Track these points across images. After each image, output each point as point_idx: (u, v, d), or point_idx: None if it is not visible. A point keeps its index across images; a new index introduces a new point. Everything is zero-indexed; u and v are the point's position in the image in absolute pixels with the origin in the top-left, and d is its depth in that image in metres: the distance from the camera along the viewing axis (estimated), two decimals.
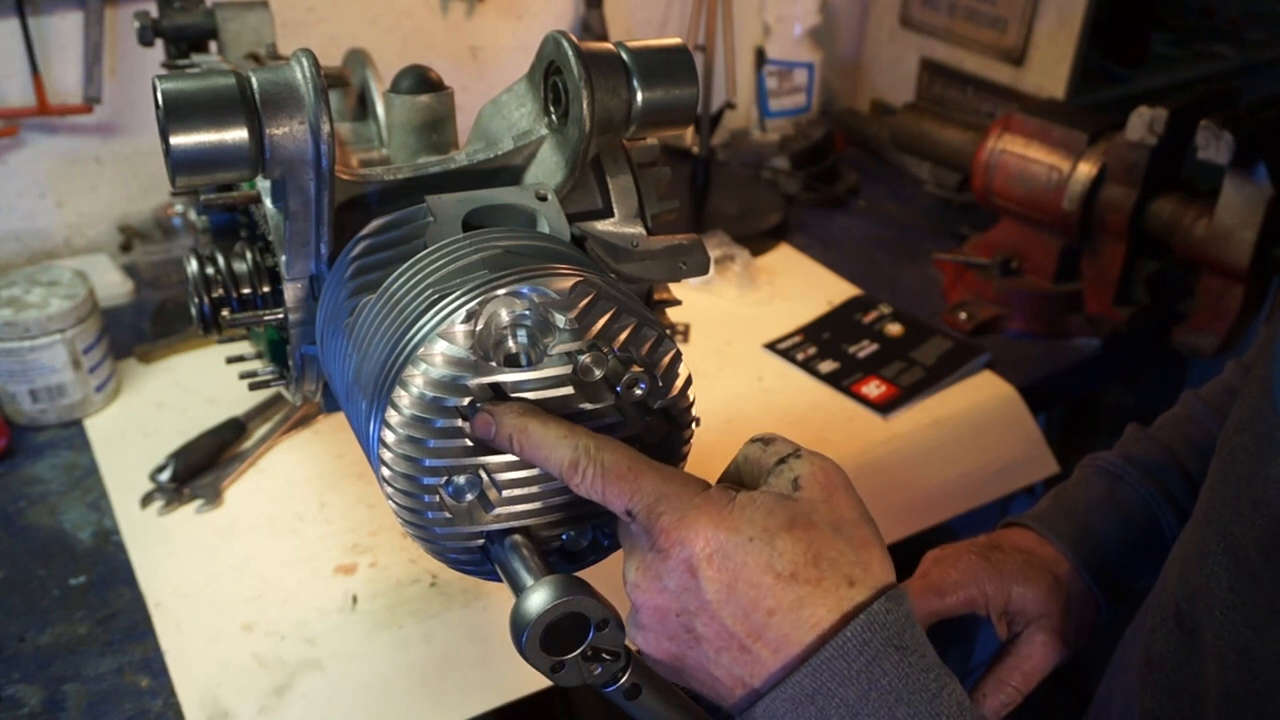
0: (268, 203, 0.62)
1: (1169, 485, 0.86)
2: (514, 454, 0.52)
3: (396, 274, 0.55)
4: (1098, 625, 0.83)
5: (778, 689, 0.50)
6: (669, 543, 0.50)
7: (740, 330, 1.43)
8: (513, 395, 0.52)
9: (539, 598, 0.50)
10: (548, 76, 0.62)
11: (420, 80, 0.69)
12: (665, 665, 0.53)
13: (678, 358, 0.55)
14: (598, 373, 0.53)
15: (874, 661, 0.49)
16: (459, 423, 0.52)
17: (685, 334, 1.41)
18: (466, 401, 0.51)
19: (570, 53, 0.58)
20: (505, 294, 0.51)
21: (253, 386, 0.74)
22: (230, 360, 0.82)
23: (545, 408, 0.53)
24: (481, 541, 0.56)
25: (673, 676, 0.54)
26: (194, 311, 0.70)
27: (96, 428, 1.22)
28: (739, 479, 0.56)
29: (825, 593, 0.50)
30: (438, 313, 0.51)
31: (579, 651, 0.52)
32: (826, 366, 1.36)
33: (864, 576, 0.51)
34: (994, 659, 0.82)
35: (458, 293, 0.51)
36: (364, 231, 0.59)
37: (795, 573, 0.49)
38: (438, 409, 0.51)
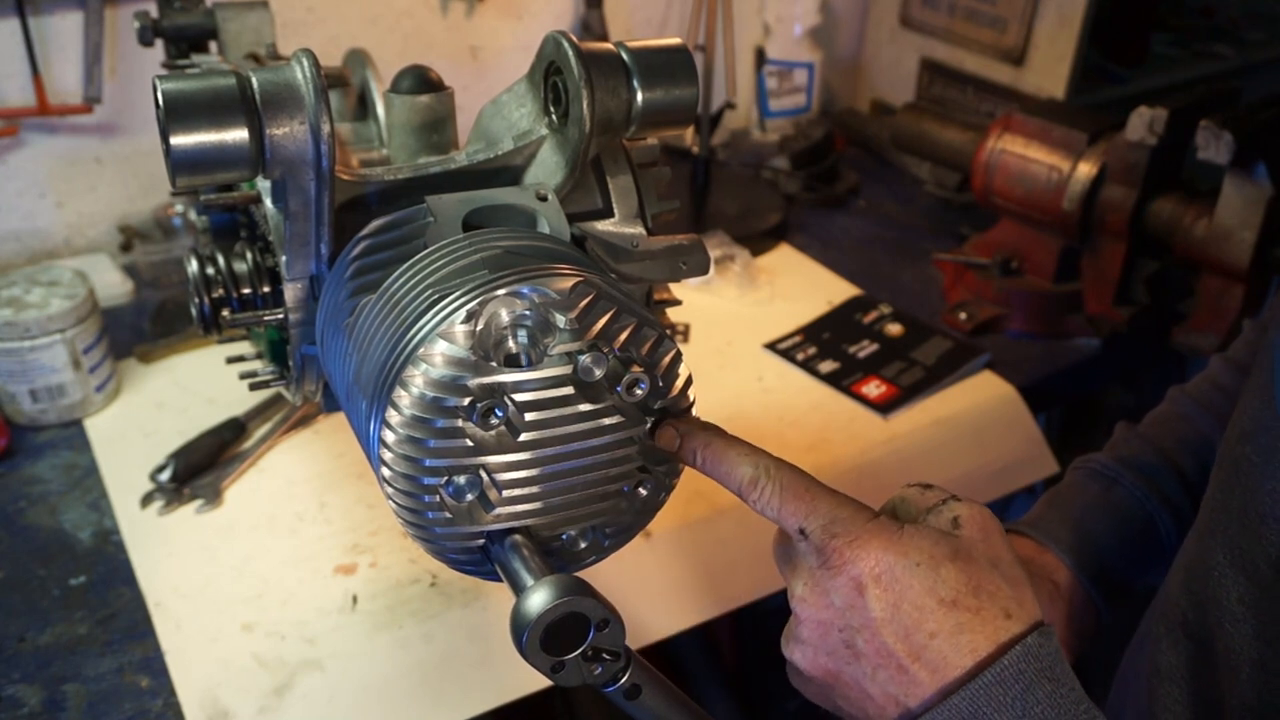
0: (268, 203, 0.62)
1: (1163, 486, 0.86)
2: (694, 467, 0.56)
3: (396, 274, 0.55)
4: (1098, 630, 0.83)
5: (934, 711, 0.51)
6: (840, 561, 0.52)
7: (740, 330, 1.43)
8: (513, 395, 0.52)
9: (539, 598, 0.50)
10: (548, 76, 0.62)
11: (420, 80, 0.68)
12: (817, 682, 0.55)
13: (678, 358, 0.55)
14: (598, 373, 0.53)
15: (1028, 690, 0.51)
16: (459, 423, 0.52)
17: (685, 334, 1.41)
18: (466, 402, 0.51)
19: (570, 53, 0.58)
20: (505, 294, 0.51)
21: (253, 386, 0.74)
22: (230, 360, 0.82)
23: (546, 408, 0.53)
24: (482, 541, 0.56)
25: (821, 695, 0.56)
26: (194, 311, 0.70)
27: (96, 428, 1.22)
28: (894, 517, 0.57)
29: (984, 621, 0.51)
30: (438, 313, 0.51)
31: (579, 651, 0.52)
32: (826, 366, 1.36)
33: (1019, 611, 0.53)
34: None
35: (458, 293, 0.51)
36: (364, 232, 0.59)
37: (957, 600, 0.51)
38: (438, 409, 0.51)
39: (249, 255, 0.70)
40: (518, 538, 0.55)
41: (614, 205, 0.65)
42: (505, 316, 0.51)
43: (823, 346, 1.40)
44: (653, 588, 1.08)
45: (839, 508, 0.53)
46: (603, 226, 0.64)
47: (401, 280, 0.54)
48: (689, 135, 1.75)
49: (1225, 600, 0.63)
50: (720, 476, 0.55)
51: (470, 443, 0.52)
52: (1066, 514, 0.85)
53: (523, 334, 0.51)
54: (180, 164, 0.53)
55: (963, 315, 1.45)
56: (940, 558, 0.51)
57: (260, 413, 1.22)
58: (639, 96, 0.60)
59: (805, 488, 0.53)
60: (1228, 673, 0.63)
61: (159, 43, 1.04)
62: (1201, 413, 0.88)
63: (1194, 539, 0.70)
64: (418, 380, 0.50)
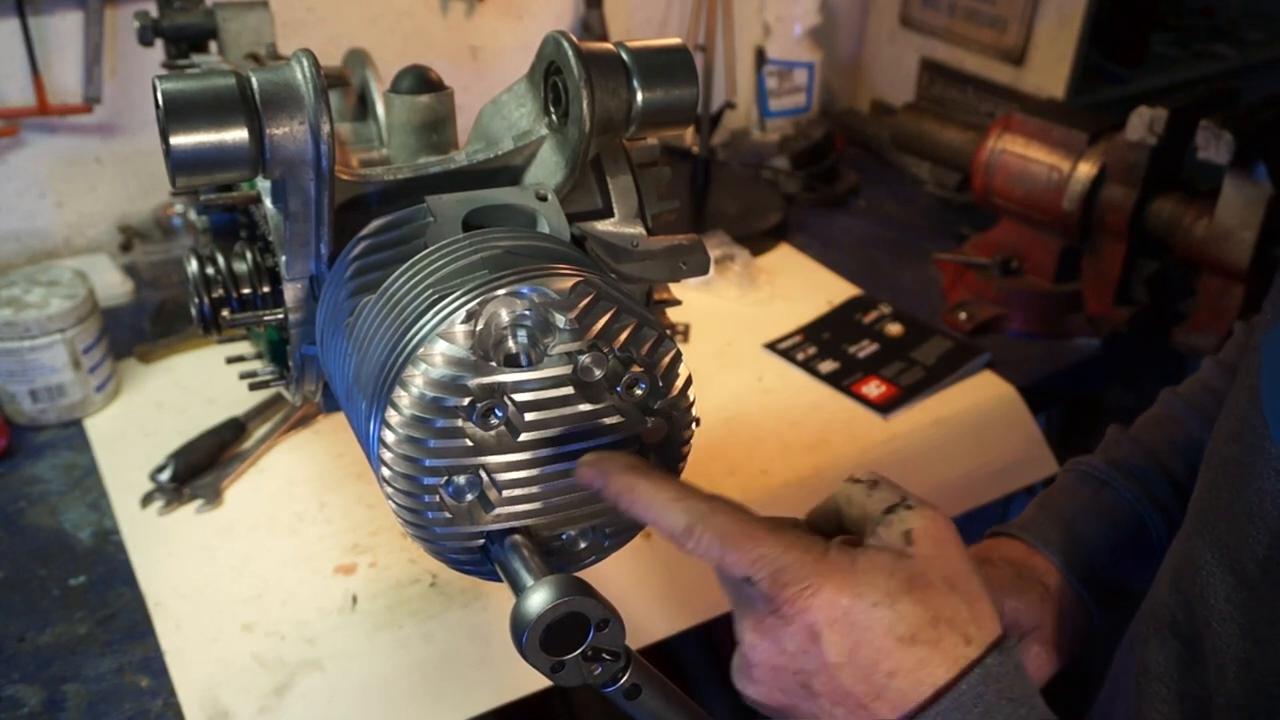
0: (268, 203, 0.62)
1: (1153, 488, 0.86)
2: (619, 509, 0.52)
3: (396, 274, 0.55)
4: (1091, 633, 0.83)
5: None
6: (792, 610, 0.50)
7: (740, 330, 1.43)
8: (513, 395, 0.52)
9: (539, 598, 0.50)
10: (548, 76, 0.62)
11: (420, 80, 0.68)
12: (771, 709, 0.54)
13: (678, 358, 0.55)
14: (598, 373, 0.53)
15: (987, 714, 0.50)
16: (459, 423, 0.52)
17: (685, 334, 1.41)
18: (466, 402, 0.51)
19: (570, 53, 0.58)
20: (505, 294, 0.51)
21: (253, 386, 0.74)
22: (230, 360, 0.82)
23: (546, 408, 0.53)
24: (482, 541, 0.56)
25: (777, 717, 0.55)
26: (194, 311, 0.70)
27: (96, 428, 1.22)
28: (838, 519, 0.56)
29: (944, 653, 0.51)
30: (438, 313, 0.51)
31: (579, 651, 0.52)
32: (826, 366, 1.36)
33: (978, 634, 0.52)
34: None
35: (458, 293, 0.51)
36: (364, 232, 0.59)
37: (915, 635, 0.50)
38: (438, 409, 0.51)
39: (249, 255, 0.70)
40: (518, 538, 0.55)
41: (614, 205, 0.65)
42: (505, 316, 0.51)
43: (823, 346, 1.40)
44: (653, 588, 1.08)
45: (785, 552, 0.50)
46: (603, 226, 0.64)
47: (401, 280, 0.54)
48: (689, 135, 1.75)
49: (1213, 599, 0.63)
50: (649, 522, 0.51)
51: (470, 443, 0.52)
52: (1057, 516, 0.85)
53: (523, 334, 0.51)
54: (180, 164, 0.53)
55: (963, 315, 1.45)
56: (896, 593, 0.50)
57: (260, 413, 1.22)
58: (639, 96, 0.60)
59: (746, 533, 0.50)
60: (1215, 671, 0.63)
61: (159, 43, 1.04)
62: (1193, 415, 0.88)
63: (1182, 539, 0.70)
64: (418, 380, 0.50)
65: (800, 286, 1.54)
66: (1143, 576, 0.82)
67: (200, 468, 1.15)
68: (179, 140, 0.52)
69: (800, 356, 1.38)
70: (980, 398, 1.33)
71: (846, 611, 0.50)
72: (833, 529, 0.57)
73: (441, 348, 0.50)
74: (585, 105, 0.58)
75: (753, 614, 0.52)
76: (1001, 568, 0.82)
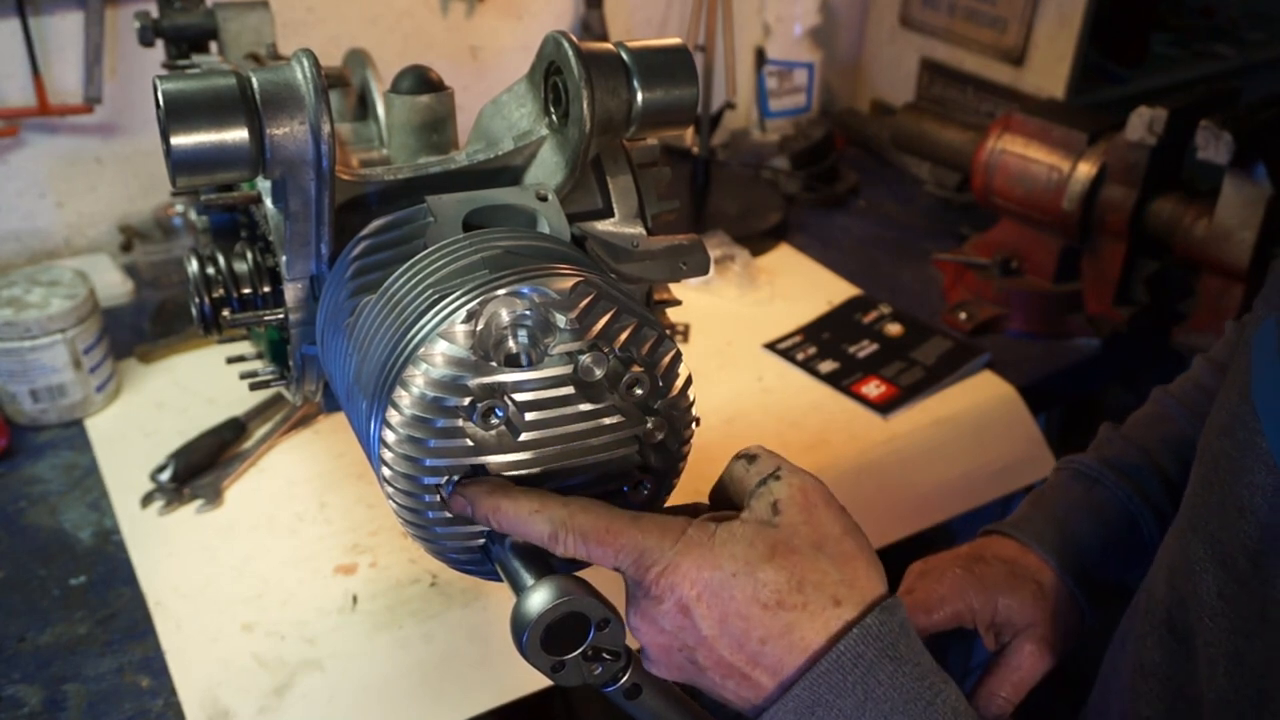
0: (268, 203, 0.62)
1: (1145, 486, 0.86)
2: (494, 529, 0.54)
3: (397, 274, 0.55)
4: (1084, 630, 0.83)
5: (777, 704, 0.52)
6: (660, 590, 0.52)
7: (740, 330, 1.43)
8: (513, 395, 0.52)
9: (539, 597, 0.50)
10: (548, 76, 0.62)
11: (420, 80, 0.68)
12: (684, 685, 0.56)
13: (678, 358, 0.55)
14: (598, 373, 0.53)
15: (869, 673, 0.51)
16: (459, 422, 0.52)
17: (685, 334, 1.41)
18: (467, 401, 0.51)
19: (570, 53, 0.58)
20: (506, 294, 0.51)
21: (253, 386, 0.74)
22: (230, 360, 0.82)
23: (546, 407, 0.53)
24: (482, 541, 0.56)
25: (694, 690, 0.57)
26: (194, 311, 0.70)
27: (97, 428, 1.22)
28: (727, 496, 0.57)
29: (812, 615, 0.51)
30: (438, 313, 0.51)
31: (579, 651, 0.52)
32: (826, 366, 1.36)
33: (850, 594, 0.52)
34: (984, 671, 0.82)
35: (458, 293, 0.51)
36: (364, 232, 0.59)
37: (781, 600, 0.51)
38: (438, 409, 0.51)
39: (249, 255, 0.70)
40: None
41: (614, 205, 0.65)
42: (505, 316, 0.51)
43: (823, 346, 1.40)
44: None
45: (645, 537, 0.52)
46: (603, 226, 0.64)
47: (402, 280, 0.54)
48: (689, 135, 1.75)
49: (1204, 594, 0.64)
50: (520, 536, 0.53)
51: (470, 442, 0.52)
52: (1050, 515, 0.85)
53: (523, 334, 0.51)
54: (180, 164, 0.53)
55: (963, 315, 1.45)
56: (755, 560, 0.51)
57: (260, 413, 1.22)
58: (639, 96, 0.60)
59: (605, 528, 0.52)
60: (1206, 667, 0.64)
61: (159, 43, 1.04)
62: (1184, 413, 0.89)
63: (1175, 535, 0.71)
64: (418, 380, 0.50)
65: (800, 286, 1.54)
66: (1134, 574, 0.83)
67: (200, 468, 1.15)
68: (179, 140, 0.52)
69: (800, 356, 1.38)
70: (980, 398, 1.33)
71: (708, 584, 0.51)
72: (727, 504, 0.58)
73: (442, 348, 0.50)
74: (585, 105, 0.58)
75: (632, 601, 0.54)
76: (995, 566, 0.82)
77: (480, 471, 0.54)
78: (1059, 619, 0.81)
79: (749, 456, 0.57)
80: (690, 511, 0.58)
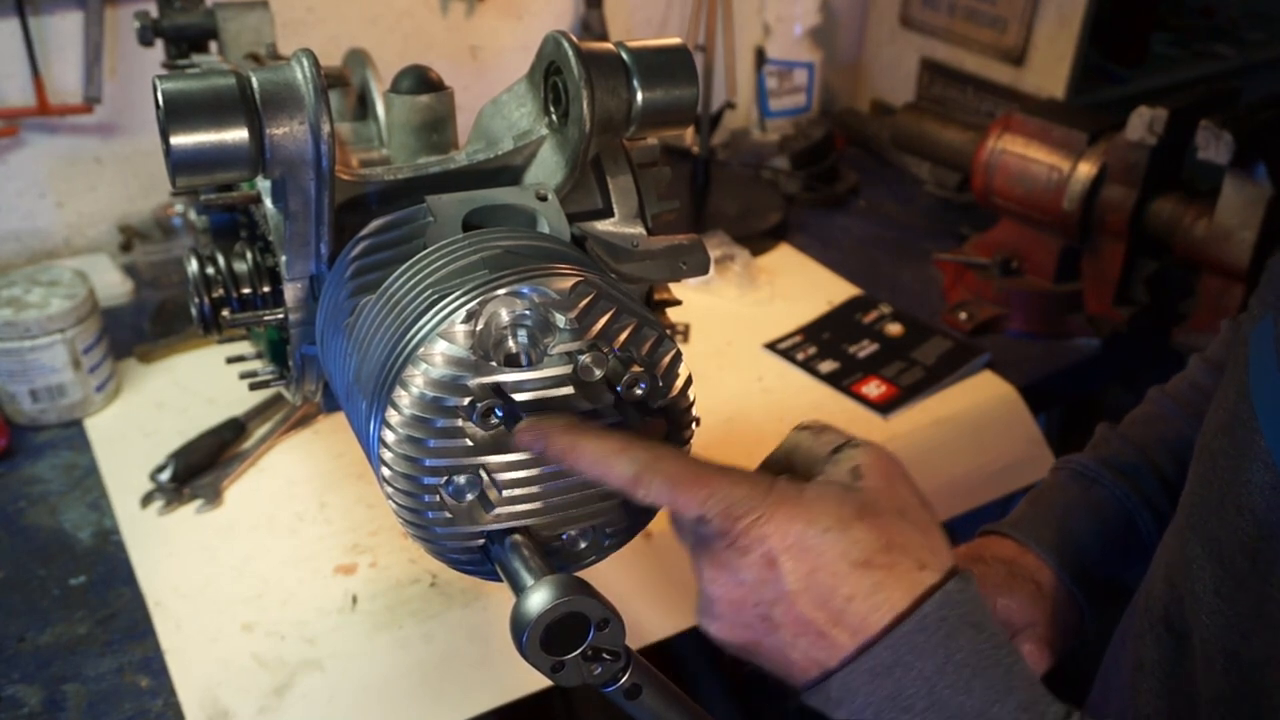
0: (268, 203, 0.62)
1: (1143, 485, 0.86)
2: (565, 467, 0.52)
3: (396, 274, 0.55)
4: (1083, 629, 0.83)
5: (855, 662, 0.51)
6: (749, 540, 0.50)
7: (740, 330, 1.43)
8: (514, 395, 0.52)
9: (539, 597, 0.50)
10: (548, 76, 0.62)
11: (420, 80, 0.68)
12: (736, 648, 0.54)
13: (678, 358, 0.55)
14: (598, 373, 0.53)
15: (950, 636, 0.50)
16: (459, 422, 0.52)
17: (685, 334, 1.41)
18: (466, 401, 0.51)
19: (570, 53, 0.58)
20: (505, 294, 0.51)
21: (253, 386, 0.74)
22: (230, 360, 0.82)
23: (546, 408, 0.53)
24: (482, 541, 0.56)
25: (743, 655, 0.55)
26: (194, 311, 0.70)
27: (96, 428, 1.22)
28: (788, 466, 0.56)
29: (899, 577, 0.51)
30: (438, 313, 0.51)
31: (579, 651, 0.52)
32: (826, 366, 1.36)
33: (933, 560, 0.52)
34: None
35: (458, 293, 0.51)
36: (364, 231, 0.59)
37: (870, 559, 0.50)
38: (438, 409, 0.51)
39: (249, 255, 0.70)
40: (518, 537, 0.55)
41: (614, 205, 0.65)
42: (505, 316, 0.51)
43: (823, 346, 1.40)
44: (653, 588, 1.08)
45: (735, 486, 0.51)
46: (603, 226, 0.64)
47: (401, 280, 0.54)
48: (689, 135, 1.75)
49: (1202, 592, 0.64)
50: (597, 477, 0.51)
51: (470, 442, 0.52)
52: (1048, 514, 0.85)
53: (523, 334, 0.51)
54: (180, 164, 0.53)
55: (963, 315, 1.45)
56: (848, 518, 0.50)
57: (260, 413, 1.22)
58: (639, 96, 0.60)
59: (694, 474, 0.51)
60: (1203, 664, 0.64)
61: (159, 43, 1.04)
62: (1181, 412, 0.89)
63: (1173, 533, 0.71)
64: (418, 380, 0.50)
65: (800, 286, 1.54)
66: (1133, 573, 0.83)
67: (200, 468, 1.15)
68: (179, 140, 0.52)
69: (800, 356, 1.38)
70: (980, 398, 1.33)
71: (800, 537, 0.50)
72: (786, 473, 0.57)
73: (442, 347, 0.50)
74: (585, 105, 0.58)
75: (709, 551, 0.52)
76: (994, 566, 0.82)
77: (478, 472, 0.54)
78: (1058, 618, 0.81)
79: (814, 428, 0.56)
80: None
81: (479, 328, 0.51)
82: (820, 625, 0.51)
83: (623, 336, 0.53)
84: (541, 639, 0.50)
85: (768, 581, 0.51)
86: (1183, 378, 0.93)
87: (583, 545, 0.59)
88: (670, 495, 0.51)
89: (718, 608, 0.53)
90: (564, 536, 0.58)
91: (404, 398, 0.51)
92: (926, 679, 0.50)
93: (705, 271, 0.64)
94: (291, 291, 0.62)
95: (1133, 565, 0.84)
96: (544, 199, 0.60)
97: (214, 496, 1.12)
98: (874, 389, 1.32)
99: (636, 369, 0.54)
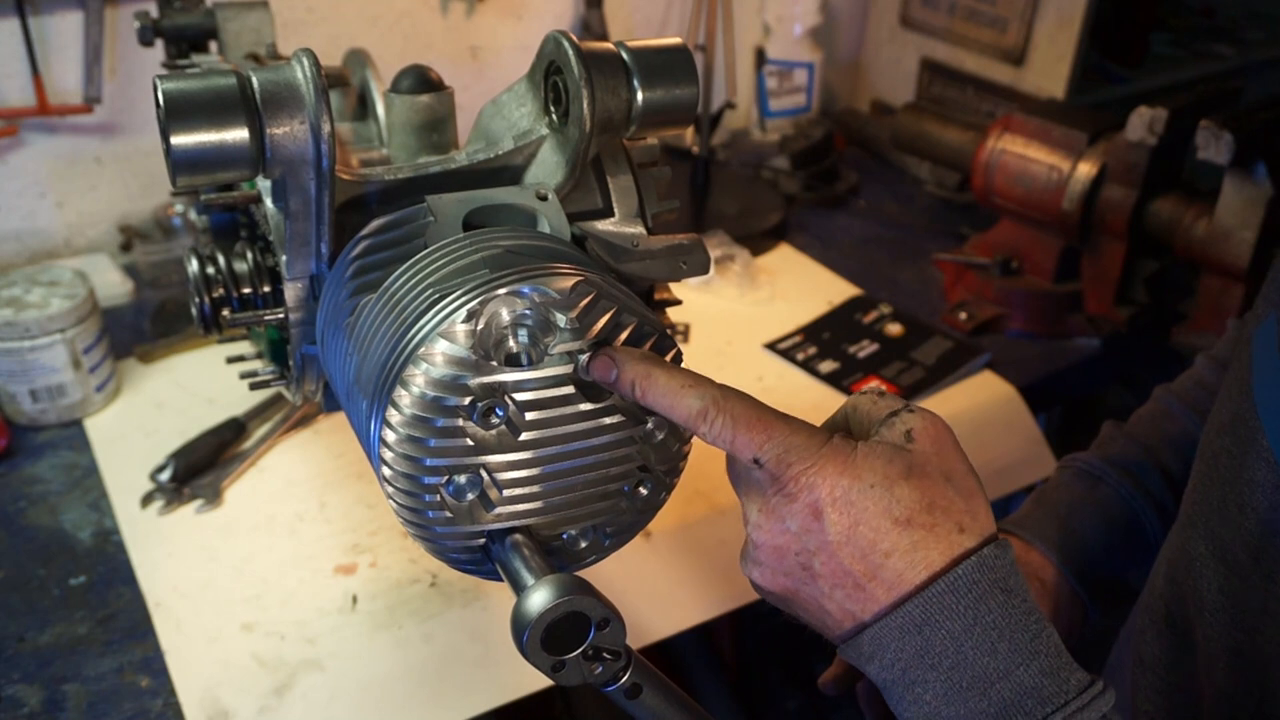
0: (268, 202, 0.62)
1: (1148, 483, 0.86)
2: (633, 399, 0.53)
3: (397, 274, 0.55)
4: (1087, 628, 0.83)
5: (887, 618, 0.52)
6: (797, 488, 0.52)
7: (740, 330, 1.43)
8: (514, 395, 0.52)
9: (540, 597, 0.50)
10: (548, 76, 0.62)
11: (420, 80, 0.68)
12: (776, 596, 0.55)
13: (678, 357, 0.55)
14: None
15: (981, 600, 0.51)
16: (460, 422, 0.52)
17: (685, 334, 1.41)
18: (467, 401, 0.51)
19: (570, 52, 0.58)
20: (506, 293, 0.51)
21: (253, 386, 0.74)
22: (230, 360, 0.82)
23: (546, 407, 0.53)
24: (483, 541, 0.56)
25: (780, 605, 0.56)
26: (194, 311, 0.70)
27: (96, 428, 1.22)
28: (845, 427, 0.57)
29: (938, 538, 0.52)
30: (438, 312, 0.51)
31: (580, 651, 0.52)
32: (826, 366, 1.36)
33: (973, 524, 0.53)
34: None
35: (458, 292, 0.51)
36: (364, 231, 0.59)
37: (911, 518, 0.52)
38: (439, 408, 0.51)
39: (249, 255, 0.70)
40: (518, 537, 0.55)
41: (614, 205, 0.65)
42: (506, 316, 0.51)
43: (823, 346, 1.40)
44: (653, 588, 1.08)
45: (793, 434, 0.52)
46: (603, 226, 0.64)
47: (402, 280, 0.54)
48: (689, 135, 1.75)
49: (1205, 590, 0.64)
50: (664, 409, 0.53)
51: (471, 442, 0.52)
52: (1053, 512, 0.86)
53: (523, 333, 0.51)
54: (180, 164, 0.53)
55: (963, 315, 1.45)
56: (894, 477, 0.52)
57: (260, 413, 1.22)
58: (639, 96, 0.60)
59: (757, 416, 0.52)
60: (1206, 662, 0.64)
61: (159, 43, 1.04)
62: (1186, 410, 0.89)
63: (1176, 531, 0.71)
64: (418, 380, 0.50)
65: (800, 286, 1.54)
66: (1137, 571, 0.83)
67: (200, 468, 1.15)
68: (179, 140, 0.52)
69: (800, 356, 1.38)
70: (980, 398, 1.33)
71: (846, 491, 0.51)
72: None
73: (442, 347, 0.50)
74: (585, 105, 0.58)
75: (759, 496, 0.53)
76: None
77: (479, 471, 0.54)
78: (1062, 616, 0.81)
79: (875, 394, 0.57)
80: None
81: (479, 327, 0.51)
82: (858, 577, 0.52)
83: (623, 336, 0.53)
84: (542, 638, 0.50)
85: (811, 531, 0.52)
86: (1189, 376, 0.93)
87: (583, 545, 0.59)
88: (732, 434, 0.52)
89: (761, 553, 0.54)
90: (564, 536, 0.58)
91: (404, 397, 0.51)
92: (954, 638, 0.51)
93: (705, 271, 0.64)
94: (292, 291, 0.62)
95: (1138, 563, 0.84)
96: (544, 199, 0.60)
97: (214, 496, 1.12)
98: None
99: None
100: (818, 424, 0.55)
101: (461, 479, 0.53)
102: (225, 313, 0.69)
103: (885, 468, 0.52)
